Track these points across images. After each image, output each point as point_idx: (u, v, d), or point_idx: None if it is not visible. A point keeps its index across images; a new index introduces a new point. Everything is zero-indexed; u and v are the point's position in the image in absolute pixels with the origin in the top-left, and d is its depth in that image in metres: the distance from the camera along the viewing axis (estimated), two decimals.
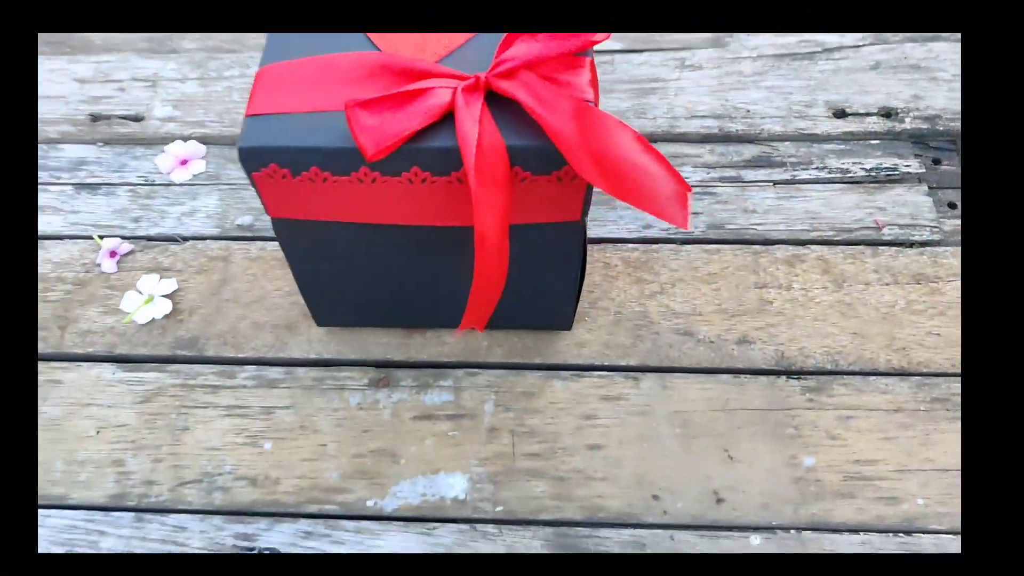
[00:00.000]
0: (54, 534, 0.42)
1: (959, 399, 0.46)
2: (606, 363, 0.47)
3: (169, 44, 0.62)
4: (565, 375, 0.47)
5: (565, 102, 0.33)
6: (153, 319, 0.49)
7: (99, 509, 0.43)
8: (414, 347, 0.48)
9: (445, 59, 0.38)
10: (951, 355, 0.47)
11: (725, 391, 0.46)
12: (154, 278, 0.50)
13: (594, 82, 0.37)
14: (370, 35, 0.39)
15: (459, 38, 0.38)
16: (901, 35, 0.61)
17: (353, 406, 0.46)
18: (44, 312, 0.50)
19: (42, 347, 0.48)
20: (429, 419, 0.46)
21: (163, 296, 0.49)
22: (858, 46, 0.60)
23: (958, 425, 0.45)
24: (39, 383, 0.47)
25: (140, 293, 0.50)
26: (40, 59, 0.62)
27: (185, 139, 0.56)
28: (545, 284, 0.44)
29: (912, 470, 0.44)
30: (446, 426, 0.45)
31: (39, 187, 0.55)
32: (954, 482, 0.43)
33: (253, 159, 0.36)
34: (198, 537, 0.42)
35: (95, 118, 0.58)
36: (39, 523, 0.43)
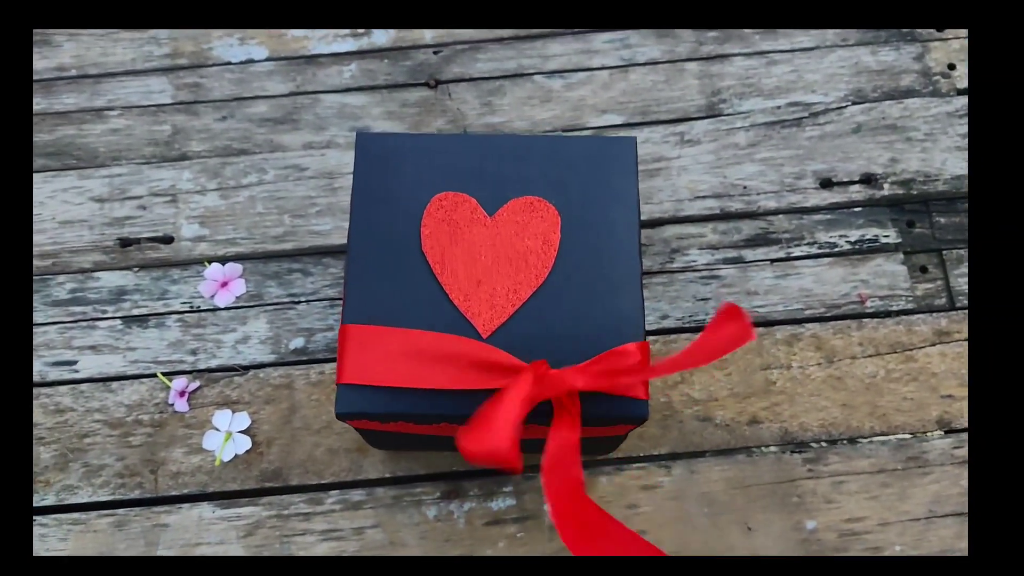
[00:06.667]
0: None
1: (928, 456, 0.56)
2: (642, 454, 0.56)
3: (176, 148, 0.62)
4: (608, 470, 0.55)
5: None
6: (236, 455, 0.54)
7: None
8: None
9: (509, 321, 0.42)
10: (921, 416, 0.57)
11: (741, 470, 0.55)
12: (227, 414, 0.55)
13: (644, 362, 0.41)
14: (442, 281, 0.42)
15: (524, 290, 0.42)
16: (879, 91, 0.65)
17: (432, 519, 0.54)
18: (132, 458, 0.54)
19: (139, 493, 0.53)
20: (498, 524, 0.54)
21: (240, 432, 0.54)
22: (841, 108, 0.65)
23: (927, 479, 0.55)
24: (147, 528, 0.53)
25: (218, 430, 0.54)
26: (49, 177, 0.61)
27: (221, 261, 0.59)
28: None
29: (891, 523, 0.55)
30: (513, 528, 0.53)
31: (88, 322, 0.57)
32: (925, 528, 0.54)
33: (349, 418, 0.41)
34: None
35: (124, 243, 0.59)
36: None
